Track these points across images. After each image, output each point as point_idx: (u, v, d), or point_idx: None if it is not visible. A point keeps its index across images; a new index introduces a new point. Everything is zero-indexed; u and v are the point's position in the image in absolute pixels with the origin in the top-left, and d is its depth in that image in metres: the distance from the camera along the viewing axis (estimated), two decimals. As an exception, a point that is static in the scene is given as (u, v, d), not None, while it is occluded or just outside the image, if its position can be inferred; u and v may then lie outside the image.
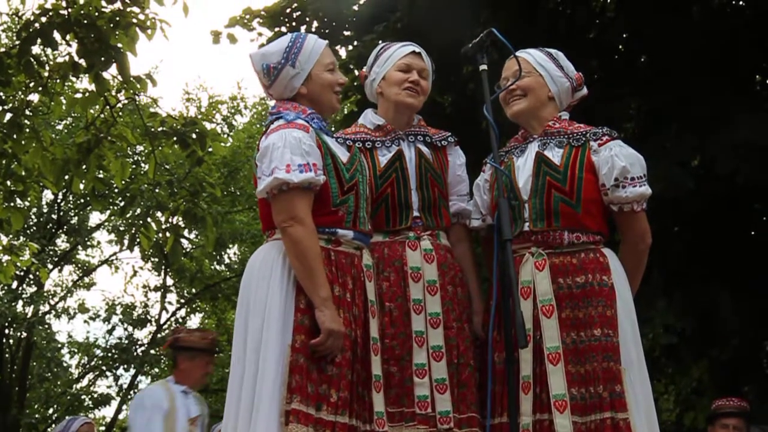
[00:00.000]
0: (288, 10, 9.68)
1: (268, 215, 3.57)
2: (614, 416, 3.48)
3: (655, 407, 3.74)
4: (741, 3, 8.73)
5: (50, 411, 21.43)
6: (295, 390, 3.29)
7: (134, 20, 8.00)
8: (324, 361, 3.37)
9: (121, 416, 22.93)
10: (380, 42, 4.45)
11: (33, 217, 20.16)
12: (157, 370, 22.18)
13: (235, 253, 22.73)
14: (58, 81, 8.55)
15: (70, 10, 7.87)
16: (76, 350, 22.44)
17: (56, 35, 7.95)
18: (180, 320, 22.67)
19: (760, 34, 8.07)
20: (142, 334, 21.73)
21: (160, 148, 8.77)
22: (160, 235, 8.79)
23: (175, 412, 5.96)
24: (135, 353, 20.67)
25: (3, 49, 9.17)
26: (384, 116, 3.99)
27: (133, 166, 17.30)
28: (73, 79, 9.51)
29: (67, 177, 8.52)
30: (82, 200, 19.97)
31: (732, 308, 7.77)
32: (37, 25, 7.95)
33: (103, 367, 21.59)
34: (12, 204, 8.87)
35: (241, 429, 3.32)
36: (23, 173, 8.80)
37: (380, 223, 3.84)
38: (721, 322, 7.82)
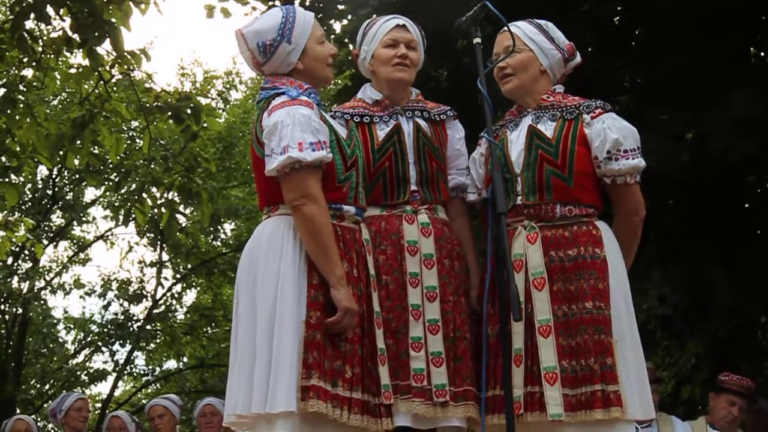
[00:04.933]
0: (282, -16, 9.60)
1: (268, 191, 3.57)
2: (605, 388, 3.49)
3: (649, 380, 3.76)
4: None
5: (46, 387, 21.43)
6: (313, 366, 3.30)
7: (127, -6, 7.96)
8: (338, 337, 3.38)
9: (117, 392, 22.97)
10: (375, 16, 4.43)
11: (28, 192, 20.08)
12: (153, 345, 22.21)
13: (232, 230, 22.71)
14: (51, 56, 8.51)
15: (63, -16, 7.83)
16: (71, 326, 22.40)
17: (50, 10, 7.90)
18: (176, 295, 22.69)
19: (755, 7, 8.04)
20: (138, 310, 21.70)
21: (154, 123, 8.73)
22: (156, 210, 8.78)
23: None
24: (131, 329, 20.66)
25: (-4, 24, 9.12)
26: (380, 92, 4.00)
27: (128, 142, 17.19)
28: (67, 54, 9.48)
29: (61, 152, 8.52)
30: (77, 176, 19.89)
31: (727, 282, 7.78)
32: (30, -1, 7.91)
33: (99, 343, 21.55)
34: (7, 180, 8.88)
35: (255, 404, 3.32)
36: (17, 149, 8.79)
37: (378, 197, 3.84)
38: (716, 295, 7.83)
